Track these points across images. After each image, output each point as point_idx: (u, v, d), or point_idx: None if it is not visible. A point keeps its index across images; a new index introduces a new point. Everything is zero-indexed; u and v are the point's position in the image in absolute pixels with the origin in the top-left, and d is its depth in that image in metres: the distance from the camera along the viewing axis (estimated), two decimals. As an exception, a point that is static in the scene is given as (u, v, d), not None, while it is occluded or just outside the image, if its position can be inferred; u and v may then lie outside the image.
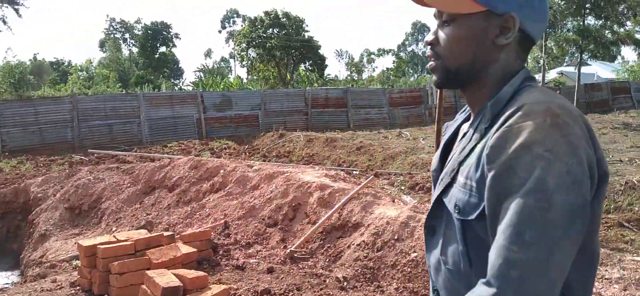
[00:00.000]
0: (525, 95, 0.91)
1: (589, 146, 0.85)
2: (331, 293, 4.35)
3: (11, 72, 33.46)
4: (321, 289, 4.43)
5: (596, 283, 4.30)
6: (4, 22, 30.10)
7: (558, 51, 20.31)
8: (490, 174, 0.84)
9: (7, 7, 29.35)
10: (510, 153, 0.82)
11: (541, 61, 19.79)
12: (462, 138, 1.03)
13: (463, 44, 0.97)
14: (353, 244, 5.14)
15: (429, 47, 1.04)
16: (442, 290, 1.02)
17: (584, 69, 23.33)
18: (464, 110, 1.15)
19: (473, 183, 0.90)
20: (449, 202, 0.97)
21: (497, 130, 0.86)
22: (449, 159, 1.04)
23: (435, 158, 1.14)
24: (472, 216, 0.90)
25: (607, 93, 27.07)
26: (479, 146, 0.91)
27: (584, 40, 17.19)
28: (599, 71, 35.44)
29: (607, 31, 18.14)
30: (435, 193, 1.04)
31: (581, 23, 17.60)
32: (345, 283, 4.56)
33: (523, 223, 0.78)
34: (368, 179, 6.30)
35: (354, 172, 9.25)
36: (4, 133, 14.71)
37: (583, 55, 18.42)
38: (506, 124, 0.85)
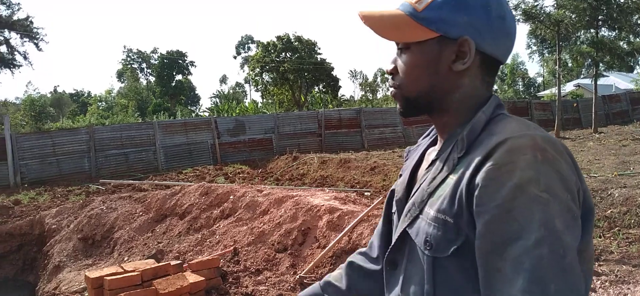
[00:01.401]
0: (501, 125, 0.87)
1: (576, 177, 0.81)
2: (341, 319, 4.24)
3: (32, 106, 34.38)
4: (331, 316, 4.33)
5: (617, 303, 4.12)
6: (25, 58, 31.00)
7: (573, 64, 20.02)
8: (482, 219, 0.77)
9: (27, 42, 30.26)
10: (504, 195, 0.76)
11: (557, 75, 19.53)
12: (429, 166, 0.96)
13: (419, 71, 0.94)
14: (363, 269, 5.02)
15: (390, 77, 1.01)
16: None
17: (601, 81, 23.02)
18: (428, 134, 1.09)
19: (448, 218, 0.83)
20: (417, 236, 0.90)
21: (481, 165, 0.80)
22: (415, 188, 0.97)
23: (401, 185, 1.06)
24: (447, 253, 0.84)
25: (626, 104, 26.60)
26: (453, 177, 0.85)
27: (598, 52, 16.93)
28: (617, 81, 34.88)
29: (622, 42, 17.87)
30: (400, 225, 0.96)
31: (595, 35, 17.36)
32: (355, 309, 4.45)
33: (545, 277, 0.72)
34: (378, 201, 6.20)
35: (366, 193, 9.15)
36: (23, 165, 14.98)
37: (599, 67, 18.12)
38: (492, 162, 0.79)
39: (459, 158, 0.87)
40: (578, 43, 18.68)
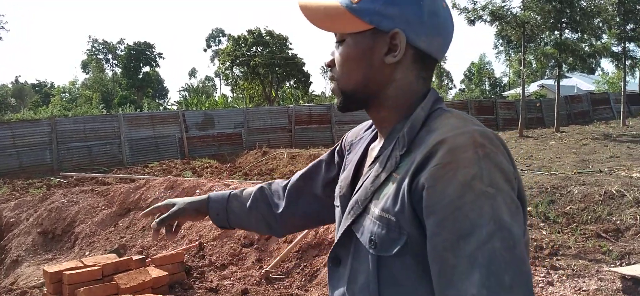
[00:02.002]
0: (440, 121, 0.87)
1: (513, 168, 0.83)
2: (306, 313, 4.24)
3: (-8, 95, 33.03)
4: (296, 310, 4.32)
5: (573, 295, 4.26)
6: (-17, 45, 29.79)
7: (537, 64, 20.60)
8: (433, 219, 0.79)
9: (-15, 29, 29.07)
10: (452, 193, 0.77)
11: (521, 75, 20.04)
12: (372, 163, 0.96)
13: (353, 64, 0.95)
14: (329, 263, 5.04)
15: (329, 69, 1.01)
16: None
17: (564, 82, 23.70)
18: (370, 126, 1.10)
19: (391, 217, 0.84)
20: (362, 235, 0.90)
21: (423, 165, 0.81)
22: (358, 185, 0.97)
23: (345, 181, 1.06)
24: (392, 252, 0.84)
25: (587, 104, 27.51)
26: (396, 176, 0.86)
27: (562, 53, 17.45)
28: (580, 82, 36.09)
29: (584, 44, 18.47)
30: (344, 222, 0.96)
31: (559, 37, 17.89)
32: (320, 303, 4.46)
33: (499, 269, 0.74)
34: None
35: (335, 188, 9.17)
36: (-20, 157, 14.40)
37: (562, 68, 18.69)
38: (435, 162, 0.80)
39: (401, 156, 0.88)
40: (542, 45, 19.21)
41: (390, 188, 0.86)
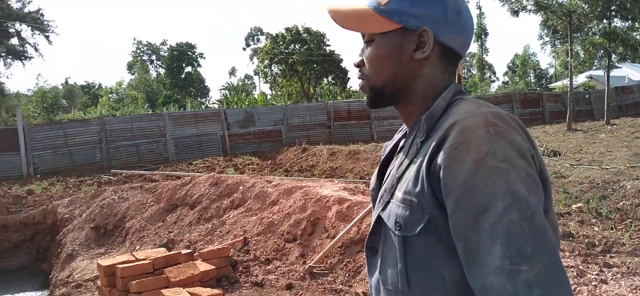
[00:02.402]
0: (456, 108, 0.92)
1: (531, 147, 0.86)
2: (350, 309, 4.26)
3: (44, 97, 34.67)
4: (340, 305, 4.35)
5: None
6: (36, 50, 31.29)
7: (585, 55, 19.78)
8: (451, 198, 0.83)
9: (38, 34, 30.51)
10: (466, 171, 0.81)
11: (569, 66, 19.30)
12: (398, 153, 1.04)
13: (383, 62, 1.01)
14: (373, 259, 5.04)
15: (358, 69, 1.08)
16: None
17: (614, 72, 22.71)
18: (401, 129, 1.17)
19: (413, 198, 0.89)
20: (389, 219, 0.95)
21: (438, 147, 0.86)
22: (386, 176, 1.04)
23: (374, 177, 1.13)
24: (415, 232, 0.89)
25: (639, 95, 26.22)
26: (417, 161, 0.91)
27: (611, 43, 16.69)
28: (630, 73, 34.36)
29: (635, 33, 17.60)
30: (375, 211, 1.02)
31: (608, 25, 17.11)
32: (364, 299, 4.47)
33: (519, 239, 0.76)
34: (388, 192, 6.22)
35: (376, 184, 9.14)
36: (36, 156, 15.15)
37: (612, 58, 17.87)
38: (449, 143, 0.84)
39: (421, 142, 0.93)
40: (590, 34, 18.43)
41: (412, 171, 0.91)
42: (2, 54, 30.23)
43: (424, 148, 0.91)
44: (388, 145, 1.17)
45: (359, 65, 1.07)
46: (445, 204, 0.84)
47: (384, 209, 0.97)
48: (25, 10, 30.16)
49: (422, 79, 1.00)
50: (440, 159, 0.84)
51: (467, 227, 0.80)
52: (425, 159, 0.88)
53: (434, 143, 0.87)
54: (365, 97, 1.08)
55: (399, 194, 0.93)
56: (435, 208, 0.86)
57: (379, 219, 0.99)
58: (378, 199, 1.02)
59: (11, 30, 30.08)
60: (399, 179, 0.95)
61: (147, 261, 4.56)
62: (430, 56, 0.98)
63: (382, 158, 1.14)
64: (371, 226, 1.02)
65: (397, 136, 1.15)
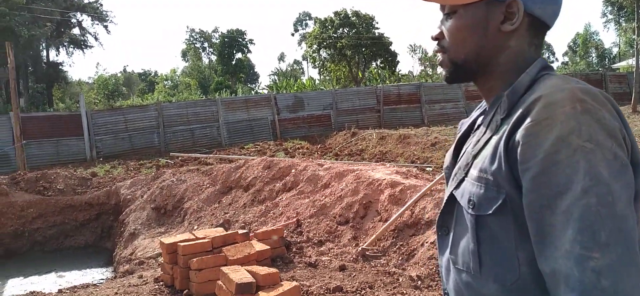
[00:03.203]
0: (543, 84, 0.86)
1: (622, 127, 0.80)
2: (405, 292, 4.27)
3: (105, 85, 36.35)
4: (394, 287, 4.37)
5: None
6: (96, 39, 32.80)
7: (655, 31, 18.53)
8: (528, 175, 0.78)
9: (97, 24, 31.95)
10: (547, 148, 0.76)
11: (635, 45, 18.16)
12: (475, 130, 0.99)
13: (467, 34, 0.94)
14: (427, 242, 5.01)
15: (436, 42, 1.01)
16: (452, 292, 0.98)
17: (686, 50, 21.11)
18: (480, 106, 1.10)
19: (489, 176, 0.85)
20: (462, 197, 0.92)
21: (519, 122, 0.81)
22: (461, 154, 1.00)
23: (448, 155, 1.08)
24: (489, 211, 0.85)
25: None
26: (495, 138, 0.87)
27: (685, 17, 15.56)
28: None
29: None
30: (448, 189, 0.98)
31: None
32: (419, 282, 4.46)
33: (594, 225, 0.72)
34: (440, 176, 6.12)
35: (428, 168, 9.04)
36: (98, 140, 15.98)
37: (684, 34, 16.68)
38: (531, 119, 0.79)
39: (502, 119, 0.88)
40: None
41: (488, 149, 0.87)
42: (65, 44, 31.92)
43: (504, 125, 0.86)
44: (465, 122, 1.11)
45: (438, 38, 1.01)
46: (522, 182, 0.79)
47: (457, 187, 0.94)
48: (85, 0, 31.63)
49: (507, 53, 0.94)
50: (519, 135, 0.80)
51: (542, 207, 0.76)
52: (504, 135, 0.83)
53: (514, 119, 0.83)
54: (443, 72, 1.02)
55: (474, 172, 0.89)
56: (513, 187, 0.81)
57: (452, 197, 0.96)
58: (451, 177, 0.99)
59: (73, 20, 31.66)
60: (475, 156, 0.91)
61: (206, 240, 4.73)
62: (518, 28, 0.92)
63: (458, 135, 1.09)
64: (442, 205, 1.00)
65: (475, 113, 1.09)
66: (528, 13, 0.91)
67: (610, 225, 0.72)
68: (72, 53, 32.85)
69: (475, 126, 1.01)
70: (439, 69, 1.04)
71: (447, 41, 0.98)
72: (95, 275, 7.84)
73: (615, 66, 35.71)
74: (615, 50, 48.08)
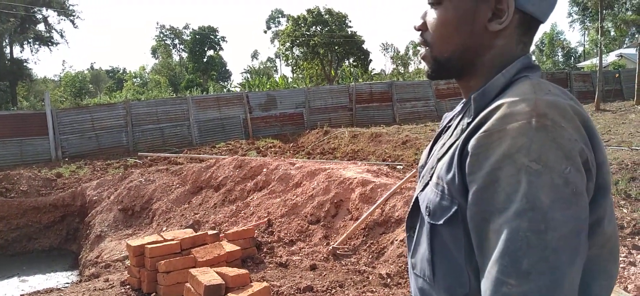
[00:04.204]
0: (515, 88, 0.79)
1: (587, 148, 0.73)
2: (374, 290, 4.28)
3: (73, 82, 35.43)
4: (364, 286, 4.38)
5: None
6: (62, 36, 31.87)
7: (616, 32, 19.17)
8: (472, 188, 0.74)
9: (64, 19, 31.05)
10: (492, 163, 0.71)
11: (598, 44, 18.74)
12: (447, 130, 0.93)
13: (451, 29, 0.86)
14: (396, 240, 5.05)
15: (418, 33, 0.93)
16: (413, 294, 0.94)
17: (646, 50, 21.92)
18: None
19: (444, 184, 0.81)
20: (423, 202, 0.88)
21: (474, 132, 0.76)
22: (431, 154, 0.95)
23: (425, 153, 1.02)
24: (441, 221, 0.81)
25: (672, 74, 25.37)
26: (456, 144, 0.81)
27: (644, 19, 16.14)
28: (663, 51, 33.21)
29: (670, 8, 16.96)
30: (416, 191, 0.94)
31: (641, 1, 16.54)
32: (388, 280, 4.49)
33: (518, 250, 0.67)
34: (410, 174, 6.17)
35: (398, 167, 9.11)
36: (64, 140, 15.53)
37: (644, 35, 17.30)
38: (484, 129, 0.74)
39: (469, 124, 0.81)
40: (622, 10, 17.83)
41: (448, 155, 0.82)
42: (30, 40, 30.92)
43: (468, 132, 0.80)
44: (447, 116, 1.03)
45: (421, 29, 0.92)
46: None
47: (422, 190, 0.90)
48: (51, -4, 30.70)
49: (493, 51, 0.86)
50: (470, 145, 0.75)
51: (482, 221, 0.72)
52: (460, 143, 0.78)
53: (472, 126, 0.78)
54: (425, 66, 0.94)
55: (434, 178, 0.85)
56: (464, 198, 0.76)
57: (417, 200, 0.91)
58: (419, 178, 0.95)
59: (38, 15, 30.69)
60: (439, 160, 0.86)
61: (174, 242, 4.65)
62: (507, 26, 0.83)
63: (438, 131, 1.01)
64: (410, 205, 0.95)
65: (458, 107, 1.01)
66: (519, 9, 0.82)
67: (537, 255, 0.67)
68: (38, 50, 31.84)
69: (448, 126, 0.95)
70: (422, 64, 0.99)
71: (431, 35, 0.90)
72: (59, 279, 7.62)
73: (580, 65, 36.83)
74: (580, 49, 49.60)
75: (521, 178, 0.69)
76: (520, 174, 0.69)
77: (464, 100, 0.97)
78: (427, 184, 0.88)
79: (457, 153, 0.79)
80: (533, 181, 0.69)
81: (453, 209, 0.79)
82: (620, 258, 4.34)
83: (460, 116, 0.88)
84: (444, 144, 0.88)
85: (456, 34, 0.86)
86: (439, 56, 0.90)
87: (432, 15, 0.89)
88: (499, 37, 0.85)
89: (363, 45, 33.04)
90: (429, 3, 0.90)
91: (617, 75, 24.32)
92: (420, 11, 0.94)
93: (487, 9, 0.83)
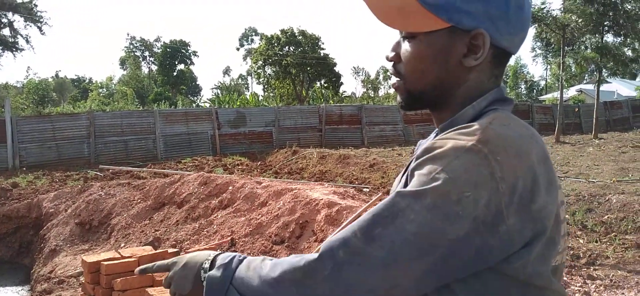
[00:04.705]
0: (481, 120, 0.79)
1: (521, 191, 0.71)
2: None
3: (36, 90, 34.35)
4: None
5: (612, 308, 4.13)
6: (27, 41, 30.96)
7: (577, 68, 20.01)
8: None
9: (30, 25, 30.21)
10: (422, 160, 0.75)
11: (560, 79, 19.50)
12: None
13: (425, 64, 0.85)
14: (360, 264, 5.03)
15: (390, 64, 0.92)
16: None
17: (604, 87, 22.95)
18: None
19: None
20: None
21: (422, 156, 0.78)
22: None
23: (397, 179, 1.01)
24: None
25: (627, 111, 26.60)
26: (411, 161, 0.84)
27: (602, 58, 16.90)
28: (620, 88, 34.85)
29: (627, 48, 17.84)
30: None
31: (600, 40, 17.33)
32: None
33: (382, 218, 0.72)
34: (376, 197, 6.21)
35: (365, 189, 9.15)
36: (22, 148, 14.98)
37: (602, 73, 18.10)
38: (431, 143, 0.77)
39: None
40: (583, 48, 18.65)
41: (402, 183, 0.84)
42: (-7, 45, 29.90)
43: None
44: (422, 143, 1.02)
45: (394, 60, 0.90)
46: None
47: None
48: (19, 0, 29.87)
49: (466, 85, 0.86)
50: (411, 166, 0.78)
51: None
52: (408, 171, 0.80)
53: (425, 147, 0.79)
54: (397, 97, 0.93)
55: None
56: None
57: None
58: None
59: (3, 20, 29.76)
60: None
61: (132, 259, 4.49)
62: (480, 62, 0.83)
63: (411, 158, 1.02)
64: None
65: (432, 135, 1.01)
66: (493, 45, 0.82)
67: (392, 233, 0.71)
68: (1, 55, 30.77)
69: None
70: (392, 90, 0.98)
71: (404, 68, 0.88)
72: (9, 294, 7.27)
73: (542, 97, 38.20)
74: (542, 83, 51.48)
75: (426, 177, 0.72)
76: (430, 175, 0.72)
77: (436, 129, 0.99)
78: None
79: (404, 179, 0.82)
80: (433, 182, 0.71)
81: None
82: (576, 288, 4.45)
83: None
84: (400, 177, 0.90)
85: (431, 69, 0.85)
86: (412, 88, 0.89)
87: (405, 47, 0.87)
88: (472, 71, 0.85)
89: (335, 68, 33.40)
90: (402, 37, 0.88)
91: (576, 109, 25.31)
92: (393, 39, 0.92)
93: (463, 44, 0.83)
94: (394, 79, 0.92)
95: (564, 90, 22.50)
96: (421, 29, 0.83)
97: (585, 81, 36.20)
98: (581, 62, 18.22)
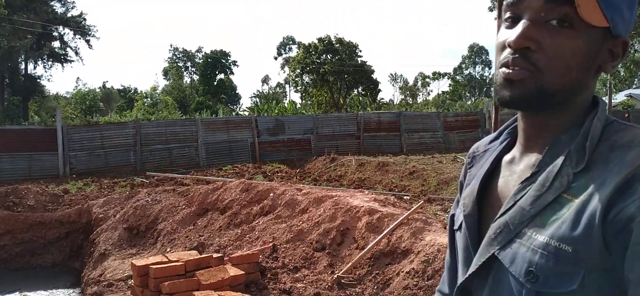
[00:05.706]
0: (625, 135, 0.75)
1: None
2: (378, 321, 4.22)
3: (83, 100, 35.81)
4: (368, 317, 4.32)
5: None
6: (76, 53, 32.41)
7: (626, 73, 19.23)
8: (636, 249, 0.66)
9: (79, 38, 31.63)
10: None
11: (608, 84, 18.78)
12: (526, 180, 0.81)
13: (577, 59, 0.77)
14: (402, 272, 4.99)
15: (512, 52, 0.79)
16: None
17: (655, 91, 21.94)
18: (497, 137, 0.95)
19: (566, 247, 0.70)
20: (513, 264, 0.76)
21: (625, 189, 0.69)
22: (506, 206, 0.81)
23: (469, 198, 0.91)
24: (558, 290, 0.71)
25: (682, 116, 25.33)
26: (573, 199, 0.73)
27: (654, 60, 16.19)
28: (673, 92, 33.20)
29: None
30: (487, 248, 0.81)
31: (651, 42, 16.62)
32: (393, 312, 4.42)
33: None
34: (418, 205, 6.14)
35: (405, 197, 9.07)
36: (72, 156, 15.64)
37: (654, 76, 17.33)
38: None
39: (575, 174, 0.74)
40: (632, 51, 17.91)
41: (565, 213, 0.72)
42: (44, 57, 31.46)
43: (584, 184, 0.73)
44: (478, 156, 0.95)
45: (529, 47, 0.78)
46: (619, 261, 0.67)
47: (502, 248, 0.78)
48: (69, 14, 31.34)
49: (588, 91, 0.81)
50: (633, 207, 0.66)
51: None
52: (598, 203, 0.69)
53: (615, 182, 0.69)
54: (507, 92, 0.80)
55: (537, 237, 0.74)
56: (599, 263, 0.69)
57: (493, 259, 0.79)
58: (491, 234, 0.81)
59: (54, 33, 31.29)
60: (535, 216, 0.76)
61: (179, 263, 4.63)
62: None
63: (481, 171, 0.91)
64: (476, 266, 0.82)
65: (492, 146, 0.93)
66: None
67: None
68: (51, 66, 32.34)
69: (508, 170, 0.87)
70: (503, 92, 0.81)
71: (546, 59, 0.77)
72: None
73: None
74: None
75: None
76: None
77: (504, 136, 0.93)
78: (510, 241, 0.78)
79: (598, 214, 0.69)
80: None
81: (580, 275, 0.70)
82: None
83: (553, 163, 0.79)
84: (539, 196, 0.77)
85: (576, 68, 0.77)
86: (548, 84, 0.77)
87: (554, 38, 0.76)
88: (595, 77, 0.81)
89: (372, 75, 33.32)
90: (559, 20, 0.76)
91: (626, 115, 24.26)
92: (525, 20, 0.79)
93: (606, 49, 0.79)
94: (516, 70, 0.79)
95: (613, 95, 21.62)
96: (595, 20, 0.75)
97: (634, 86, 34.66)
98: (630, 66, 17.48)
